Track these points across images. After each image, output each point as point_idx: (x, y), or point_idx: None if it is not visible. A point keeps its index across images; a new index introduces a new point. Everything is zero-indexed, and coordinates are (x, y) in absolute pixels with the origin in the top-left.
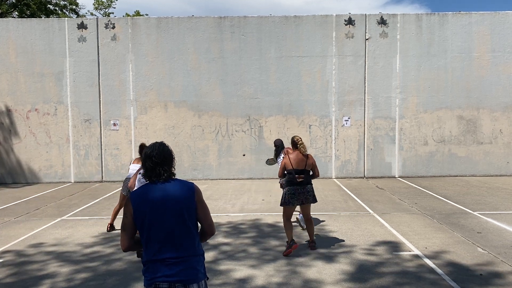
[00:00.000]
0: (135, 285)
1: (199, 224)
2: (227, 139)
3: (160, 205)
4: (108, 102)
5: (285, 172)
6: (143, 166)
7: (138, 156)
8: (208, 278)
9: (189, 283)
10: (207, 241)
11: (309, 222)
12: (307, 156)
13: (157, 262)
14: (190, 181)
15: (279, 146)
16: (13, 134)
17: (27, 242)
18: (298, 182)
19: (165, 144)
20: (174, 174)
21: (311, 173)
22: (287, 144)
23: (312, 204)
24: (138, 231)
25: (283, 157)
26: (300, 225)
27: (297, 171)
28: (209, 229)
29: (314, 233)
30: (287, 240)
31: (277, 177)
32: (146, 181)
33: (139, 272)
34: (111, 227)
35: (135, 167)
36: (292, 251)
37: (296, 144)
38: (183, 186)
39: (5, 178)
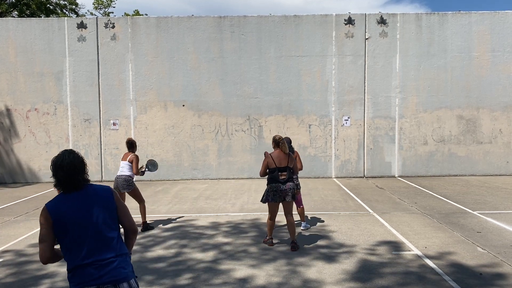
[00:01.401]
0: None
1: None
2: (227, 138)
3: (80, 213)
4: (107, 101)
5: (267, 170)
6: (54, 177)
7: (126, 151)
8: (137, 277)
9: (119, 282)
10: (207, 241)
11: (290, 221)
12: (288, 155)
13: (86, 267)
14: (190, 180)
15: (290, 146)
16: (13, 133)
17: (26, 242)
18: (281, 180)
19: (74, 151)
20: (88, 180)
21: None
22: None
23: (312, 203)
24: (57, 241)
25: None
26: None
27: (280, 169)
28: (131, 227)
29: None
30: (268, 235)
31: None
32: (60, 191)
33: (139, 271)
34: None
35: (124, 164)
36: (267, 244)
37: (278, 143)
38: (100, 190)
39: (5, 177)
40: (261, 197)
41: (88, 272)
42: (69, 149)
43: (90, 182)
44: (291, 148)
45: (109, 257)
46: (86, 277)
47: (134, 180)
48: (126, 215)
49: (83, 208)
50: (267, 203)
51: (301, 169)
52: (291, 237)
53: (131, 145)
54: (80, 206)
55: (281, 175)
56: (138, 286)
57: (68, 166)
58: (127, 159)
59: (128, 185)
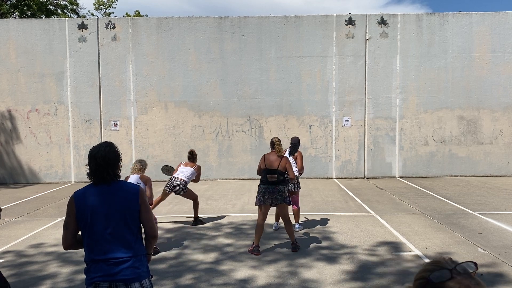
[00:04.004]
0: None
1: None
2: (227, 139)
3: (102, 207)
4: (108, 102)
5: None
6: (88, 166)
7: (186, 160)
8: (152, 276)
9: (130, 282)
10: (208, 241)
11: (287, 223)
12: (281, 157)
13: (100, 262)
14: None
15: (295, 144)
16: (14, 134)
17: (27, 243)
18: (269, 181)
19: (112, 144)
20: (119, 176)
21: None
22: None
23: (312, 204)
24: (80, 230)
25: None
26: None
27: (268, 171)
28: (151, 232)
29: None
30: (254, 242)
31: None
32: (91, 180)
33: None
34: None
35: (188, 169)
36: (253, 254)
37: (273, 144)
38: (126, 189)
39: (6, 178)
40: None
41: (101, 268)
42: (109, 142)
43: (121, 179)
44: (295, 148)
45: (124, 256)
46: (99, 273)
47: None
48: (148, 219)
49: (106, 204)
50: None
51: (301, 170)
52: (291, 239)
53: (193, 155)
54: (103, 201)
55: (270, 177)
56: (152, 285)
57: (102, 158)
58: (194, 167)
59: (183, 189)
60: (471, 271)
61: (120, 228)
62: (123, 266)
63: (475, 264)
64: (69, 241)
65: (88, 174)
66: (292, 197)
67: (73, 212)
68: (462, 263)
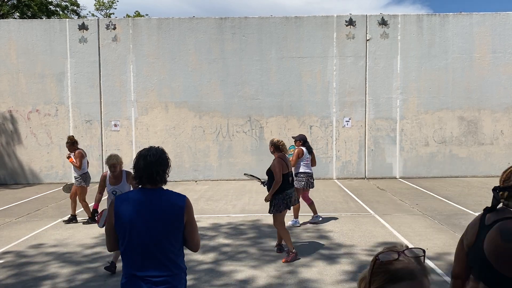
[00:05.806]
0: None
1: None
2: (228, 139)
3: (143, 218)
4: (109, 103)
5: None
6: (134, 168)
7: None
8: None
9: None
10: (208, 242)
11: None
12: (287, 159)
13: (138, 279)
14: (191, 181)
15: (306, 142)
16: (14, 135)
17: (28, 243)
18: (291, 184)
19: (164, 150)
20: (166, 181)
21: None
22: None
23: (314, 205)
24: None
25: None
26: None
27: (290, 174)
28: (194, 249)
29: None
30: (290, 248)
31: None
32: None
33: None
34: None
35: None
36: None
37: (278, 147)
38: (173, 200)
39: (6, 179)
40: (271, 208)
41: (139, 285)
42: (161, 147)
43: (163, 187)
44: (309, 145)
45: (163, 274)
46: None
47: None
48: (193, 235)
49: (145, 213)
50: (277, 213)
51: (314, 165)
52: (278, 240)
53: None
54: (144, 209)
55: (292, 179)
56: None
57: (152, 156)
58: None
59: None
60: (419, 255)
61: (161, 243)
62: (161, 287)
63: (424, 250)
64: (111, 246)
65: (134, 177)
66: (304, 193)
67: (112, 219)
68: (411, 248)
